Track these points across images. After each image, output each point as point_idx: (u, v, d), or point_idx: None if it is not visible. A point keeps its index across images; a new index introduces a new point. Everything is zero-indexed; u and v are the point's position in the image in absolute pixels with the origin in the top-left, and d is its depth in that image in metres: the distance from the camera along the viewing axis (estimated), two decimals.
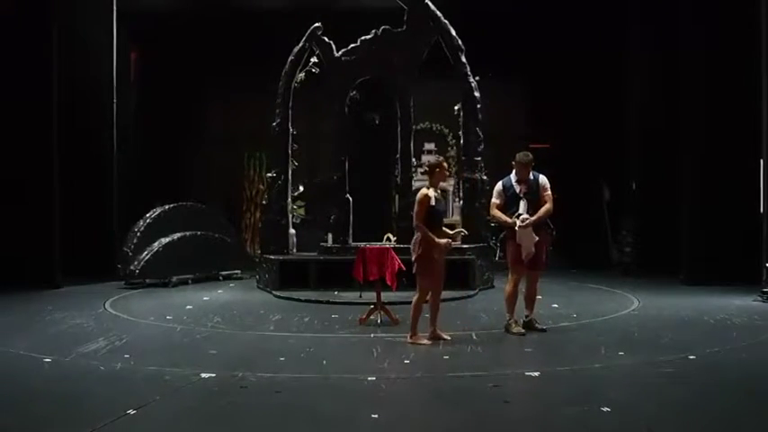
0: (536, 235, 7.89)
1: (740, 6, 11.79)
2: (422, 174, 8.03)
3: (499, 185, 8.19)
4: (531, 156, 8.11)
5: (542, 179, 8.09)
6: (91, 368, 6.41)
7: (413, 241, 7.48)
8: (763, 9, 10.91)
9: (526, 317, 8.18)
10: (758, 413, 5.13)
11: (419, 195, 7.43)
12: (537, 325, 8.13)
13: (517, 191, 8.03)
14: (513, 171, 8.14)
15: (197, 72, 16.53)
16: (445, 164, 7.78)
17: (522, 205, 7.95)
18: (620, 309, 9.87)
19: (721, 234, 11.96)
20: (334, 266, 11.35)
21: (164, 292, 12.03)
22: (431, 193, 7.43)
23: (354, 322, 8.73)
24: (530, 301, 8.21)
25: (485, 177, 12.66)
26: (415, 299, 7.53)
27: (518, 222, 7.85)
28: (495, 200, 8.17)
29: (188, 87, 16.56)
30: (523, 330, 7.93)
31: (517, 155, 8.17)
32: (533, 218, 7.87)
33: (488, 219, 12.80)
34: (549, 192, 8.07)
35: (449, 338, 7.55)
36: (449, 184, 15.94)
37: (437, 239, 7.28)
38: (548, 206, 7.99)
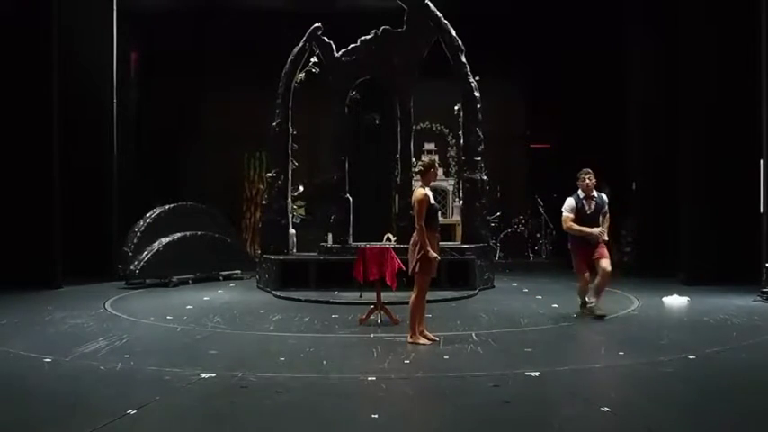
0: (598, 245, 8.84)
1: (740, 6, 11.80)
2: (416, 173, 8.14)
3: (571, 202, 8.92)
4: (592, 172, 8.93)
5: (606, 199, 9.05)
6: (91, 368, 6.41)
7: (411, 242, 7.48)
8: (763, 8, 10.90)
9: (590, 302, 8.88)
10: (758, 413, 5.13)
11: (418, 195, 7.43)
12: (598, 311, 8.80)
13: (587, 209, 8.84)
14: (579, 189, 8.88)
15: (197, 72, 16.53)
16: (437, 164, 7.92)
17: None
18: (620, 309, 9.87)
19: (721, 234, 11.97)
20: (334, 266, 11.35)
21: (164, 292, 12.03)
22: (428, 192, 7.50)
23: (354, 322, 8.73)
24: (598, 289, 8.88)
25: (485, 177, 12.68)
26: (412, 298, 7.53)
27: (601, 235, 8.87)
28: (570, 215, 8.89)
29: (188, 87, 16.56)
30: (602, 311, 8.70)
31: (584, 172, 8.92)
32: (606, 229, 8.97)
33: (497, 215, 13.24)
34: (607, 208, 9.06)
35: (437, 339, 7.55)
36: (449, 184, 15.95)
37: (430, 250, 7.33)
38: (608, 216, 9.11)
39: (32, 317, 9.15)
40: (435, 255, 7.35)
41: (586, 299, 8.95)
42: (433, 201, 7.52)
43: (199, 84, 16.87)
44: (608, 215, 9.10)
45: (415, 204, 7.41)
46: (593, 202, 8.93)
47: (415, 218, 7.42)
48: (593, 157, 15.47)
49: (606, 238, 8.92)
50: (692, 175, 12.51)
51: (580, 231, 8.87)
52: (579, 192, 8.98)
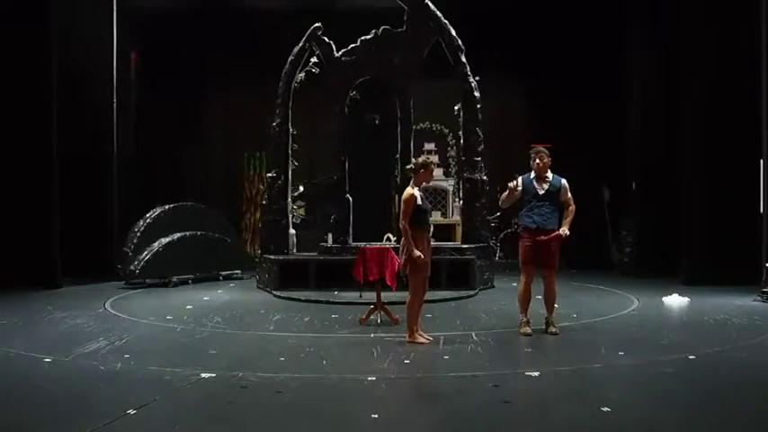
0: (550, 234, 7.92)
1: (740, 6, 11.80)
2: (407, 169, 8.02)
3: (519, 180, 8.09)
4: (544, 151, 8.03)
5: (565, 183, 8.05)
6: (91, 368, 6.40)
7: (402, 243, 7.50)
8: (763, 8, 10.91)
9: (545, 318, 8.14)
10: (758, 413, 5.13)
11: (405, 195, 7.42)
12: (551, 329, 8.00)
13: (537, 190, 7.98)
14: (533, 169, 8.05)
15: (197, 72, 16.53)
16: (433, 166, 7.78)
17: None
18: (620, 309, 9.88)
19: (721, 234, 11.97)
20: (334, 266, 11.36)
21: (164, 292, 12.03)
22: (416, 192, 7.46)
23: (354, 322, 8.73)
24: (547, 303, 8.15)
25: (485, 177, 12.68)
26: (408, 298, 7.54)
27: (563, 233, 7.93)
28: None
29: (188, 87, 16.56)
30: (530, 331, 7.89)
31: (535, 151, 8.05)
32: (567, 225, 7.91)
33: (497, 215, 12.36)
34: (570, 195, 8.05)
35: (431, 339, 7.54)
36: (449, 184, 15.94)
37: (415, 249, 7.27)
38: (573, 207, 8.01)
39: (32, 317, 9.16)
40: (419, 254, 7.29)
41: (523, 317, 7.98)
42: (421, 201, 7.43)
43: (199, 84, 16.86)
44: (572, 206, 7.99)
45: (402, 204, 7.41)
46: (547, 184, 7.96)
47: (400, 218, 7.42)
48: (593, 157, 15.66)
49: (567, 232, 7.88)
50: (692, 174, 12.51)
51: (503, 196, 8.11)
52: (531, 173, 8.06)
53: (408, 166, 7.82)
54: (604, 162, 15.73)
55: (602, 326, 8.63)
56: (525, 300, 8.05)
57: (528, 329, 7.90)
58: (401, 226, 7.37)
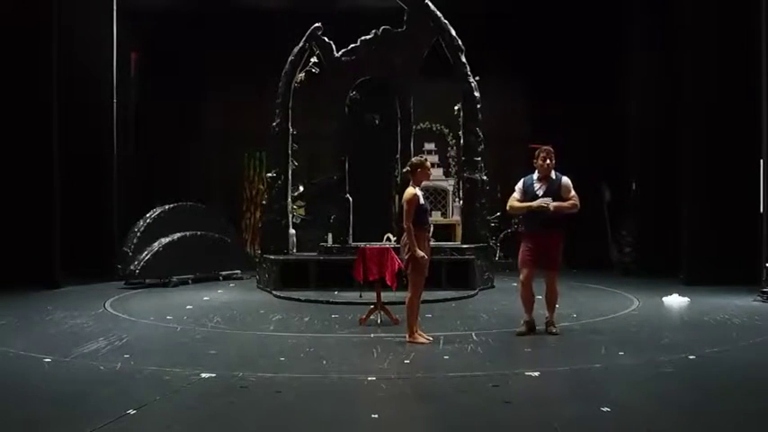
0: (552, 235, 7.90)
1: (740, 6, 11.80)
2: (404, 172, 8.02)
3: (520, 183, 8.14)
4: (552, 151, 8.01)
5: (566, 180, 8.00)
6: (91, 368, 6.40)
7: (402, 242, 7.50)
8: (763, 8, 10.91)
9: (546, 318, 8.10)
10: (758, 413, 5.13)
11: (407, 195, 7.43)
12: (551, 328, 7.97)
13: (536, 189, 7.95)
14: (537, 168, 8.05)
15: (197, 72, 16.53)
16: (428, 163, 7.78)
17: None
18: (620, 309, 9.88)
19: (721, 234, 11.97)
20: (335, 266, 11.36)
21: (164, 292, 12.03)
22: (418, 192, 7.50)
23: (354, 322, 8.74)
24: (548, 304, 8.11)
25: (485, 177, 12.68)
26: (408, 298, 7.54)
27: (543, 203, 7.79)
28: (515, 195, 8.13)
29: (188, 87, 16.56)
30: (525, 330, 7.90)
31: (542, 150, 8.02)
32: (556, 203, 7.80)
33: (497, 215, 12.26)
34: (574, 192, 7.97)
35: (431, 339, 7.55)
36: (449, 184, 15.94)
37: (418, 249, 7.30)
38: (574, 202, 7.93)
39: (32, 317, 9.16)
40: (422, 254, 7.33)
41: (527, 317, 7.97)
42: (422, 201, 7.49)
43: (199, 84, 16.87)
44: (573, 201, 7.93)
45: (404, 204, 7.42)
46: (547, 183, 7.92)
47: (403, 218, 7.43)
48: (593, 157, 15.66)
49: (551, 203, 7.79)
50: (692, 175, 12.52)
51: (520, 208, 8.03)
52: (535, 173, 8.06)
53: (405, 170, 7.84)
54: (604, 162, 15.73)
55: (602, 326, 8.63)
56: (528, 300, 8.05)
57: (523, 329, 7.92)
58: (404, 226, 7.39)
